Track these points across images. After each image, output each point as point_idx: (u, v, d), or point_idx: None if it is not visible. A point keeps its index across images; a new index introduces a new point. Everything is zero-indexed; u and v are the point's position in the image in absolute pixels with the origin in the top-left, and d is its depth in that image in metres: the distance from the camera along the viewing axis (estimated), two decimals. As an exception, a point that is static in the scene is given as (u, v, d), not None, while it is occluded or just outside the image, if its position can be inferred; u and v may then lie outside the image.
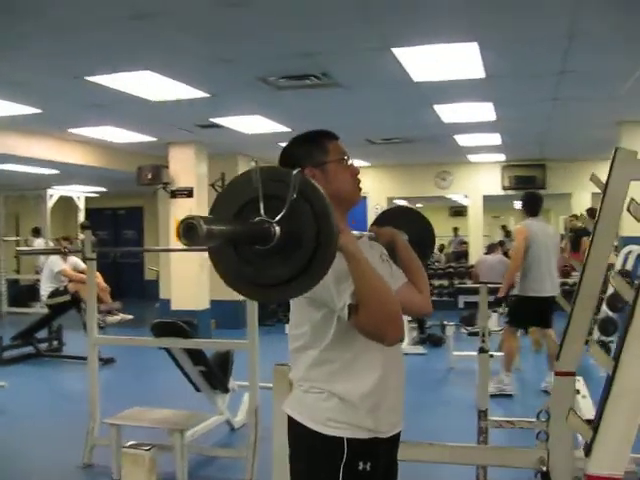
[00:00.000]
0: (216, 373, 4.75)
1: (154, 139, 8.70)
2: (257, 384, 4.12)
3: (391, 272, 1.89)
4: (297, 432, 1.77)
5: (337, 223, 1.37)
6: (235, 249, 1.40)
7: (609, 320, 6.01)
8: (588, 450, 1.96)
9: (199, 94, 6.08)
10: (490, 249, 10.02)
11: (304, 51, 4.89)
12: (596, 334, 6.06)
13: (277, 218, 1.35)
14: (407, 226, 2.22)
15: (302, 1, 3.94)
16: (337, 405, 1.71)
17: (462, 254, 14.93)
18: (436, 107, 6.95)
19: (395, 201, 13.52)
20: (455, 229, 17.83)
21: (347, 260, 1.55)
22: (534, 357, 7.58)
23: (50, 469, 4.41)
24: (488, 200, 12.50)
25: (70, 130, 8.03)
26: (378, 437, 1.75)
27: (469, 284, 10.41)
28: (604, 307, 6.15)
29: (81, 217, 13.32)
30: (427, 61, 5.14)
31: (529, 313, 5.89)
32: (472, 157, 11.37)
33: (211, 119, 7.45)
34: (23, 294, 13.06)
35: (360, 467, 1.71)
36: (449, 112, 7.20)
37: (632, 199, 2.09)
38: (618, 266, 6.40)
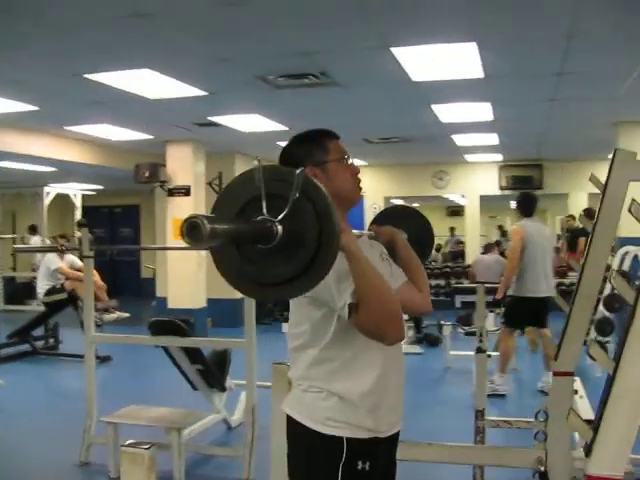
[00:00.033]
0: (213, 372, 4.75)
1: (152, 137, 8.68)
2: (254, 383, 4.13)
3: (391, 271, 1.89)
4: (296, 431, 1.77)
5: (339, 222, 1.37)
6: (237, 248, 1.39)
7: (606, 320, 6.00)
8: (588, 450, 1.97)
9: (197, 92, 6.07)
10: (487, 249, 10.04)
11: (302, 50, 4.88)
12: (593, 334, 6.07)
13: (280, 217, 1.35)
14: (406, 225, 2.22)
15: (300, 0, 3.93)
16: (336, 404, 1.70)
17: (459, 254, 14.93)
18: (434, 107, 6.95)
19: (392, 200, 13.52)
20: (452, 229, 17.85)
21: (348, 259, 1.55)
22: (530, 357, 7.59)
23: (47, 467, 4.41)
24: (485, 200, 12.51)
25: (68, 128, 8.01)
26: (377, 437, 1.75)
27: (466, 284, 10.41)
28: (601, 307, 6.15)
29: (78, 215, 13.29)
30: (426, 61, 5.14)
31: (525, 313, 5.91)
32: (469, 157, 11.37)
33: (209, 117, 7.44)
34: (19, 292, 13.02)
35: (359, 467, 1.70)
36: (447, 112, 7.21)
37: (633, 200, 2.09)
38: (615, 267, 6.40)
